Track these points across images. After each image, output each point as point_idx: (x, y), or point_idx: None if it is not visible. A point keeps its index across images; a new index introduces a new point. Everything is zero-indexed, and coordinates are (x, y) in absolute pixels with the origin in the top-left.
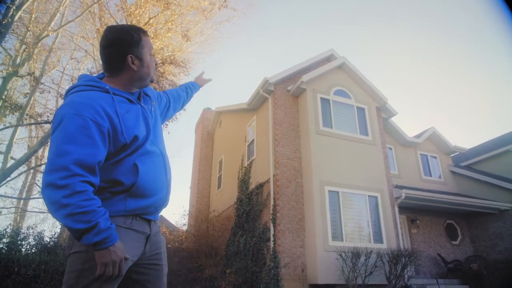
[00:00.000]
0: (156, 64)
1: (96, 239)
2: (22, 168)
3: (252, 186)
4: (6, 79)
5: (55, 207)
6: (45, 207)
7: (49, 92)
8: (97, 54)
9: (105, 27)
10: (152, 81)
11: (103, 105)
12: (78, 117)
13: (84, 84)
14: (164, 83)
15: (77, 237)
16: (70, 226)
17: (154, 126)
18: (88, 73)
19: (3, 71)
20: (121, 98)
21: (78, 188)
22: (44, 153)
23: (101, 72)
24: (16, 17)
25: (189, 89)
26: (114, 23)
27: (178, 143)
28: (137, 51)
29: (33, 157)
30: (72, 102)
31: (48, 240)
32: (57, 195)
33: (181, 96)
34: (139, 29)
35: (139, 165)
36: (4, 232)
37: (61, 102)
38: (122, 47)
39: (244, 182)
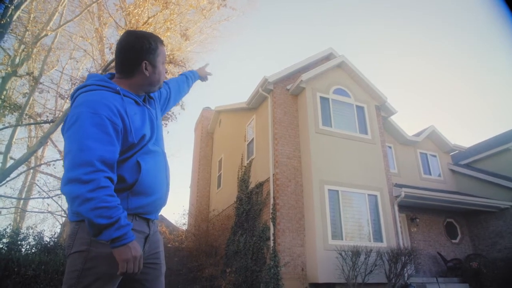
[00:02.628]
0: (166, 72)
1: (116, 234)
2: (22, 168)
3: (252, 185)
4: (5, 79)
5: (78, 201)
6: (45, 207)
7: (48, 92)
8: (96, 53)
9: (103, 26)
10: (160, 88)
11: (116, 105)
12: (96, 115)
13: (96, 84)
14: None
15: (97, 232)
16: (93, 220)
17: (157, 127)
18: (88, 73)
19: (2, 71)
20: (129, 100)
21: (102, 184)
22: (44, 153)
23: (108, 72)
24: (15, 17)
25: (190, 79)
26: (113, 23)
27: (178, 142)
28: (152, 58)
29: (32, 157)
30: (87, 101)
31: (48, 240)
32: (82, 189)
33: (181, 88)
34: (157, 38)
35: (142, 163)
36: (4, 232)
37: (60, 102)
38: (139, 53)
39: (243, 181)
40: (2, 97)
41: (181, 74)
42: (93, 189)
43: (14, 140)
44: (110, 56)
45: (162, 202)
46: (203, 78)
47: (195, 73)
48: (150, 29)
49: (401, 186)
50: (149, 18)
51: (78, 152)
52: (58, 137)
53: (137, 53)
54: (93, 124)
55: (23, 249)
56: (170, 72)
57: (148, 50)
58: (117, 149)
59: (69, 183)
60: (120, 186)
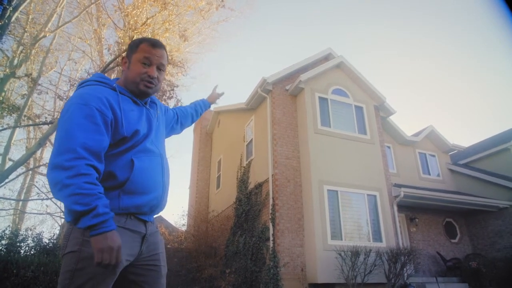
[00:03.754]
0: (157, 79)
1: (92, 222)
2: (21, 169)
3: (251, 186)
4: (4, 81)
5: (58, 187)
6: (44, 209)
7: (47, 93)
8: (95, 54)
9: (102, 27)
10: (143, 92)
11: (108, 98)
12: (85, 106)
13: (94, 80)
14: (162, 83)
15: (75, 219)
16: (69, 207)
17: (157, 128)
18: (86, 74)
19: (0, 72)
20: (126, 98)
21: (82, 171)
22: (43, 154)
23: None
24: (13, 18)
25: (199, 107)
26: (112, 24)
27: (177, 143)
28: (129, 53)
29: (31, 159)
30: (80, 93)
31: (47, 241)
32: (61, 175)
33: (189, 114)
34: (145, 38)
35: (135, 161)
36: (3, 233)
37: (59, 103)
38: (127, 51)
39: (243, 182)
40: (1, 98)
41: (191, 103)
42: (72, 176)
43: (12, 141)
44: (108, 57)
45: (157, 203)
46: (217, 99)
47: (206, 102)
48: (148, 30)
49: (400, 186)
50: (147, 19)
51: (63, 140)
52: None
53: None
54: (81, 114)
55: (22, 251)
56: (169, 73)
57: (130, 47)
58: (104, 138)
59: (52, 169)
60: (111, 183)
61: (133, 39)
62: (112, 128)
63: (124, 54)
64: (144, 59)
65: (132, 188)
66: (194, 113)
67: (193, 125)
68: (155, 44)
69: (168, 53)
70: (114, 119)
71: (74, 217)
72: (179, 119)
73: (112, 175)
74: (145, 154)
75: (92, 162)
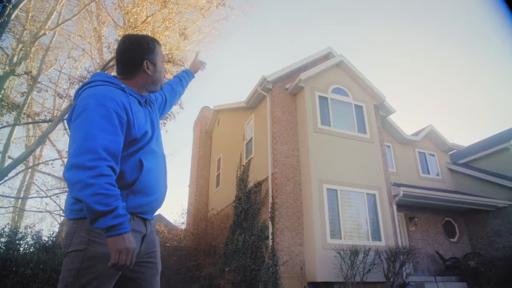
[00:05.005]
0: (166, 71)
1: (112, 222)
2: (20, 167)
3: (250, 184)
4: (3, 78)
5: (79, 186)
6: (43, 206)
7: (47, 91)
8: (94, 52)
9: (102, 25)
10: (161, 87)
11: (122, 100)
12: (102, 107)
13: (102, 80)
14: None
15: (94, 219)
16: (91, 206)
17: (157, 128)
18: (86, 72)
19: (0, 70)
20: (134, 99)
21: (104, 171)
22: (42, 152)
23: (112, 74)
24: (13, 16)
25: (184, 80)
26: (112, 22)
27: (176, 141)
28: (152, 57)
29: (30, 157)
30: (94, 94)
31: (46, 239)
32: (84, 175)
33: (175, 90)
34: (154, 38)
35: (144, 162)
36: (2, 231)
37: (59, 101)
38: (140, 53)
39: (242, 180)
40: (0, 96)
41: (174, 76)
42: (95, 176)
43: (12, 139)
44: (108, 55)
45: (159, 203)
46: (201, 68)
47: (189, 72)
48: (148, 28)
49: (399, 185)
50: (147, 17)
51: (83, 140)
52: (56, 137)
53: (137, 54)
54: (99, 115)
55: (21, 248)
56: (169, 71)
57: (147, 49)
58: (121, 140)
59: (72, 168)
60: (120, 183)
61: (141, 39)
62: (125, 129)
63: (144, 58)
64: (162, 59)
65: (140, 189)
66: (181, 88)
67: (193, 123)
68: (160, 45)
69: (168, 51)
70: (127, 121)
71: (93, 216)
72: (167, 100)
73: (121, 175)
74: (151, 155)
75: (111, 163)
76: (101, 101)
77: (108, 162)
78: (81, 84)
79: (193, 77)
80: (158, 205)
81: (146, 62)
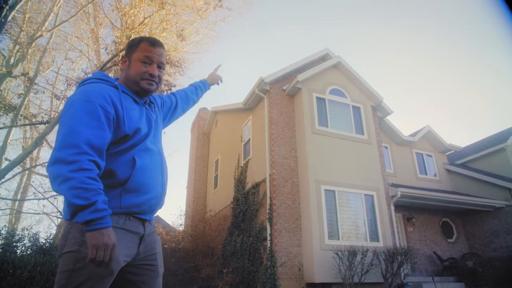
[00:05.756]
0: (158, 77)
1: (90, 216)
2: (17, 169)
3: (248, 185)
4: (0, 80)
5: (59, 180)
6: (40, 209)
7: (44, 93)
8: (92, 54)
9: (99, 26)
10: (144, 90)
11: (111, 95)
12: (88, 102)
13: (96, 78)
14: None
15: (72, 213)
16: (70, 200)
17: (156, 128)
18: (83, 73)
19: None
20: (127, 96)
21: (85, 166)
22: (39, 154)
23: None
24: (10, 17)
25: (199, 89)
26: (109, 23)
27: (174, 143)
28: (129, 52)
29: (27, 158)
30: (83, 90)
31: (44, 241)
32: (64, 169)
33: (189, 97)
34: (144, 37)
35: (137, 159)
36: None
37: (56, 102)
38: (126, 51)
39: (240, 181)
40: None
41: (190, 85)
42: (75, 170)
43: (9, 141)
44: (106, 56)
45: (157, 202)
46: (218, 82)
47: (205, 83)
48: (146, 30)
49: (397, 186)
50: (145, 18)
51: (66, 135)
52: (53, 138)
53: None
54: (84, 110)
55: (18, 251)
56: (166, 73)
57: (130, 46)
58: (106, 135)
59: (54, 163)
60: (112, 181)
61: (132, 38)
62: (114, 125)
63: (123, 53)
64: (144, 58)
65: (134, 187)
66: (195, 96)
67: (191, 124)
68: (154, 43)
69: (165, 53)
70: (116, 117)
71: (73, 210)
72: (179, 105)
73: (113, 173)
74: (146, 153)
75: (94, 158)
76: (88, 97)
77: (90, 157)
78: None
79: (209, 88)
80: (157, 204)
81: (122, 56)
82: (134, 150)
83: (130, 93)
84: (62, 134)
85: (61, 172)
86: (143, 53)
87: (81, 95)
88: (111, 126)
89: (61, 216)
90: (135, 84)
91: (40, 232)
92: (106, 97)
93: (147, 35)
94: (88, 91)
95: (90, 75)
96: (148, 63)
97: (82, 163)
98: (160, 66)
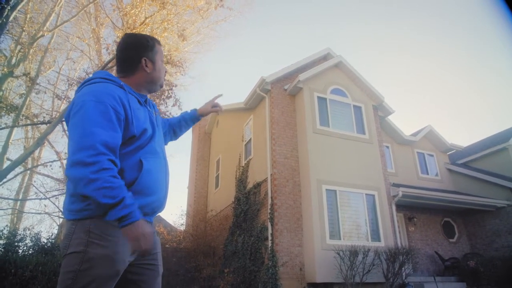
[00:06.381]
0: (166, 72)
1: (122, 213)
2: (18, 169)
3: (249, 185)
4: (2, 80)
5: (83, 183)
6: (42, 208)
7: (45, 93)
8: (93, 54)
9: (100, 26)
10: (161, 87)
11: (120, 96)
12: (100, 103)
13: (101, 77)
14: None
15: (103, 212)
16: (98, 200)
17: (159, 130)
18: (85, 73)
19: None
20: (132, 97)
21: (105, 165)
22: (41, 154)
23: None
24: (11, 18)
25: (183, 121)
26: (110, 23)
27: (176, 143)
28: (151, 55)
29: (29, 158)
30: (92, 91)
31: (45, 241)
32: (85, 171)
33: (179, 123)
34: (154, 38)
35: (144, 162)
36: (1, 233)
37: (57, 102)
38: (138, 50)
39: (241, 181)
40: None
41: (174, 118)
42: (97, 171)
43: (10, 141)
44: (107, 56)
45: (159, 204)
46: (216, 111)
47: (194, 114)
48: (147, 29)
49: (398, 185)
50: (146, 18)
51: (81, 137)
52: (55, 138)
53: (136, 51)
54: (96, 111)
55: (20, 250)
56: (168, 73)
57: (146, 47)
58: (119, 135)
59: (73, 166)
60: None
61: (140, 37)
62: (124, 125)
63: (142, 55)
64: (163, 59)
65: (139, 189)
66: (179, 129)
67: None
68: (161, 44)
69: (167, 53)
70: (126, 117)
71: (103, 210)
72: (171, 126)
73: (121, 174)
74: (152, 156)
75: (111, 157)
76: (98, 97)
77: (108, 156)
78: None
79: (198, 119)
80: (159, 206)
81: (145, 60)
82: (141, 152)
83: (135, 94)
84: (77, 136)
85: (83, 174)
86: (161, 54)
87: (91, 96)
88: (122, 127)
89: (62, 216)
90: (158, 84)
91: (41, 231)
92: (116, 97)
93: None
94: (96, 91)
95: (90, 75)
96: (164, 62)
97: (103, 163)
98: None
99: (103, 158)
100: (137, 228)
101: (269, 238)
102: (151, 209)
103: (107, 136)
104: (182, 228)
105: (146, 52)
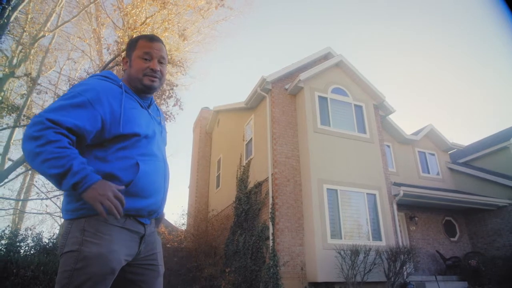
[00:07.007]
0: (160, 71)
1: (73, 180)
2: (20, 169)
3: (250, 185)
4: (3, 80)
5: (31, 157)
6: (43, 208)
7: (46, 93)
8: (94, 54)
9: (101, 27)
10: (148, 88)
11: (108, 94)
12: (80, 95)
13: (102, 75)
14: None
15: (57, 184)
16: (46, 172)
17: (160, 133)
18: (86, 73)
19: (0, 72)
20: (130, 97)
21: (51, 138)
22: None
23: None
24: (12, 18)
25: None
26: (111, 23)
27: (176, 143)
28: (128, 53)
29: None
30: (83, 83)
31: (47, 241)
32: (32, 145)
33: None
34: (143, 35)
35: (141, 164)
36: (3, 233)
37: None
38: (126, 51)
39: (242, 181)
40: (0, 98)
41: None
42: (42, 144)
43: (12, 141)
44: (108, 56)
45: (156, 208)
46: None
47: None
48: (148, 29)
49: (399, 185)
50: (146, 18)
51: (36, 116)
52: None
53: (126, 52)
54: (70, 101)
55: (21, 251)
56: (169, 72)
57: (129, 46)
58: (83, 122)
59: (24, 140)
60: (114, 184)
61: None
62: (107, 124)
63: (123, 54)
64: (144, 55)
65: (135, 191)
66: None
67: (193, 124)
68: (152, 39)
69: (167, 52)
70: (111, 115)
71: (55, 181)
72: None
73: (114, 177)
74: (150, 158)
75: (60, 130)
76: (82, 90)
77: (56, 129)
78: None
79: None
80: (156, 210)
81: (123, 57)
82: (138, 155)
83: (134, 95)
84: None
85: (30, 148)
86: (142, 49)
87: (78, 87)
88: (98, 123)
89: (63, 216)
90: (138, 82)
91: (43, 232)
92: (100, 94)
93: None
94: (85, 84)
95: (113, 73)
96: (148, 59)
97: (48, 136)
98: (161, 61)
99: (49, 132)
100: (95, 190)
101: (270, 237)
102: (147, 212)
103: (62, 115)
104: (183, 227)
105: (128, 50)
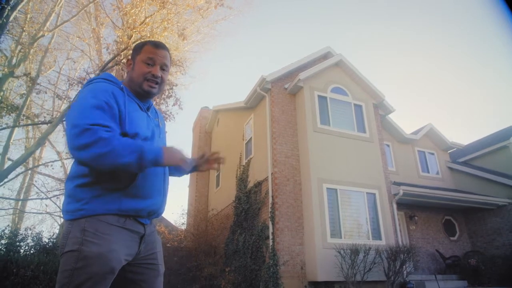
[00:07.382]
0: (161, 78)
1: (150, 157)
2: (20, 169)
3: (250, 184)
4: (2, 80)
5: (101, 159)
6: (43, 208)
7: (46, 93)
8: (93, 53)
9: (100, 26)
10: (148, 93)
11: (116, 94)
12: (94, 98)
13: (104, 78)
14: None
15: (140, 167)
16: (127, 162)
17: (159, 136)
18: (85, 73)
19: None
20: (131, 100)
21: (104, 135)
22: (42, 154)
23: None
24: (11, 18)
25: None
26: (110, 23)
27: (176, 142)
28: (134, 54)
29: (30, 158)
30: (90, 88)
31: (47, 241)
32: (95, 149)
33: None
34: (150, 41)
35: None
36: (2, 233)
37: (58, 102)
38: (131, 55)
39: (242, 180)
40: None
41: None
42: (104, 144)
43: (11, 141)
44: (107, 56)
45: (156, 209)
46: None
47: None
48: (147, 29)
49: (399, 184)
50: (146, 18)
51: (71, 128)
52: (56, 138)
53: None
54: (89, 105)
55: (21, 250)
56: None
57: (135, 50)
58: (109, 123)
59: (80, 151)
60: (114, 185)
61: (136, 41)
62: (118, 121)
63: (124, 53)
64: (147, 59)
65: (135, 192)
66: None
67: (192, 123)
68: (158, 45)
69: (171, 61)
70: (119, 113)
71: (136, 167)
72: None
73: (116, 177)
74: None
75: (106, 127)
76: (94, 93)
77: (102, 128)
78: (81, 85)
79: (182, 174)
80: (155, 211)
81: (127, 59)
82: None
83: (135, 98)
84: (69, 127)
85: (95, 151)
86: (146, 54)
87: (88, 92)
88: (117, 120)
89: (63, 216)
90: (138, 86)
91: (43, 231)
92: (109, 93)
93: (148, 35)
94: (93, 89)
95: (92, 75)
96: (151, 64)
97: (100, 134)
98: (164, 68)
99: (98, 132)
100: (169, 153)
101: (270, 237)
102: (147, 213)
103: (99, 118)
104: (183, 227)
105: (133, 53)
